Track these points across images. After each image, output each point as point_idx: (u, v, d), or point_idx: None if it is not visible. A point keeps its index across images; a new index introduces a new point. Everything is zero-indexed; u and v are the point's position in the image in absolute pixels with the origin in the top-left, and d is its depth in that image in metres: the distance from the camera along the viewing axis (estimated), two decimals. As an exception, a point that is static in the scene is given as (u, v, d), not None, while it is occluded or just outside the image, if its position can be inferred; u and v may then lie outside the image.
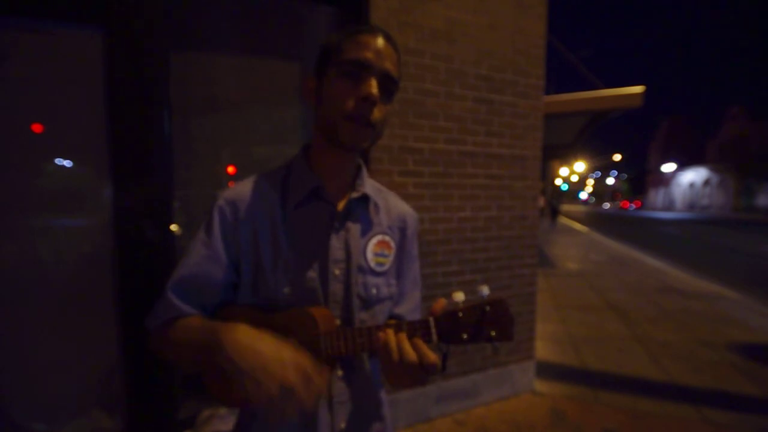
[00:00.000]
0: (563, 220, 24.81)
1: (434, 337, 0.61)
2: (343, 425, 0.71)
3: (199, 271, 0.68)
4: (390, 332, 0.61)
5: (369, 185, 0.79)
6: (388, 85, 0.68)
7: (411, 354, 0.58)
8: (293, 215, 0.70)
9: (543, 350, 3.51)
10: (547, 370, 3.10)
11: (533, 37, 2.58)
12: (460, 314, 0.61)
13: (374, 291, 0.73)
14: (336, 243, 0.71)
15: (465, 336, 0.61)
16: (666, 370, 3.20)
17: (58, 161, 1.88)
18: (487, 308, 0.61)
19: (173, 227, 1.83)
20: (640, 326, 4.29)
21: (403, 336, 0.60)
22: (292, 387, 0.53)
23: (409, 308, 0.82)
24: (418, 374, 0.58)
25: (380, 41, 0.67)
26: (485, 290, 0.62)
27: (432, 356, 0.58)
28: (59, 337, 1.87)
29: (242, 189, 0.73)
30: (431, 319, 0.61)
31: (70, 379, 1.90)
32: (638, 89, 5.34)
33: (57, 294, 1.88)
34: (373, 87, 0.65)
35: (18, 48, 1.74)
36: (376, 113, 0.67)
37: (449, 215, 2.39)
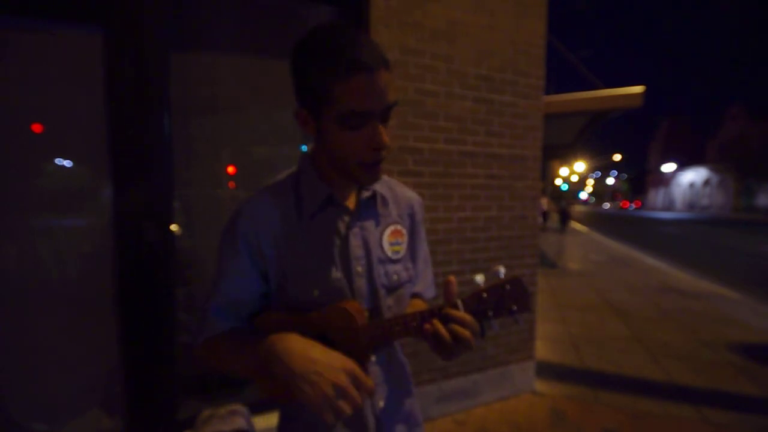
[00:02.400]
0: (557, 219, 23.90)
1: None
2: (381, 404, 0.77)
3: (234, 293, 0.73)
4: (436, 322, 0.66)
5: None
6: (389, 112, 0.66)
7: (464, 332, 0.64)
8: (310, 223, 0.73)
9: (543, 350, 3.51)
10: (547, 370, 3.10)
11: (533, 37, 2.58)
12: (484, 294, 0.68)
13: (395, 277, 0.78)
14: (354, 242, 0.74)
15: (490, 313, 0.68)
16: (666, 370, 3.20)
17: (58, 161, 1.88)
18: (507, 286, 0.68)
19: (173, 227, 1.83)
20: (640, 326, 4.29)
21: (454, 325, 0.65)
22: (343, 387, 0.58)
23: (425, 286, 0.91)
24: (469, 343, 0.64)
25: (376, 80, 0.60)
26: (502, 270, 0.69)
27: (475, 324, 0.65)
28: (59, 337, 1.87)
29: (257, 203, 0.74)
30: (459, 302, 0.68)
31: (70, 379, 1.90)
32: (638, 89, 5.34)
33: (57, 294, 1.88)
34: (383, 136, 0.64)
35: (18, 48, 1.74)
36: (386, 152, 0.67)
37: (449, 215, 2.39)
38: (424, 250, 0.90)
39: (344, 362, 0.60)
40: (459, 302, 0.68)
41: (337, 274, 0.72)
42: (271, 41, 2.40)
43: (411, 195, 0.88)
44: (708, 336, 3.99)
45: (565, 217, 16.46)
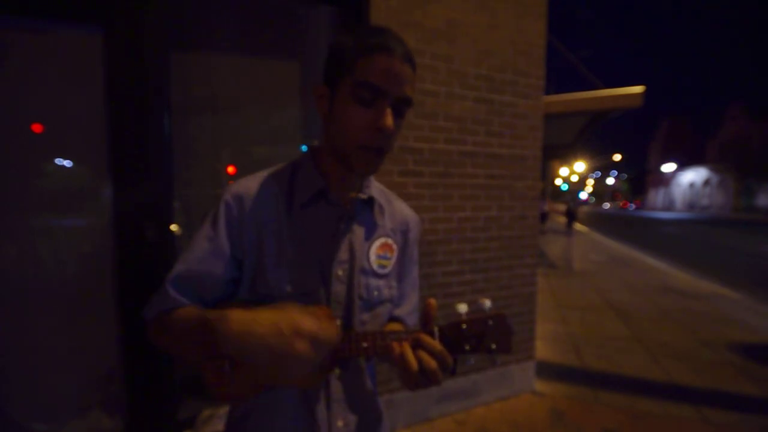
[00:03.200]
0: (557, 219, 23.61)
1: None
2: (340, 423, 0.71)
3: (201, 267, 0.67)
4: (406, 345, 0.62)
5: (375, 187, 0.79)
6: (404, 106, 0.66)
7: (431, 363, 0.59)
8: (299, 215, 0.70)
9: (543, 350, 3.51)
10: (547, 370, 3.10)
11: (533, 37, 2.58)
12: (464, 326, 0.63)
13: (376, 293, 0.74)
14: (340, 244, 0.71)
15: (467, 347, 0.63)
16: (666, 370, 3.20)
17: (58, 161, 1.88)
18: (490, 322, 0.64)
19: (173, 227, 1.83)
20: (640, 326, 4.29)
21: (422, 353, 0.61)
22: (301, 355, 0.55)
23: (408, 310, 0.84)
24: (436, 378, 0.60)
25: (399, 65, 0.62)
26: (487, 303, 0.64)
27: (447, 357, 0.60)
28: (59, 337, 1.87)
29: (249, 185, 0.71)
30: (436, 329, 0.63)
31: (70, 379, 1.90)
32: (638, 89, 5.33)
33: (57, 294, 1.88)
34: (389, 119, 0.63)
35: (18, 48, 1.74)
36: (390, 140, 0.66)
37: (449, 215, 2.39)
38: (413, 272, 0.85)
39: (293, 324, 0.56)
40: (435, 329, 0.63)
41: (315, 273, 0.69)
42: (271, 41, 2.40)
43: (408, 212, 0.85)
44: (708, 336, 3.99)
45: (572, 218, 14.56)
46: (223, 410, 1.74)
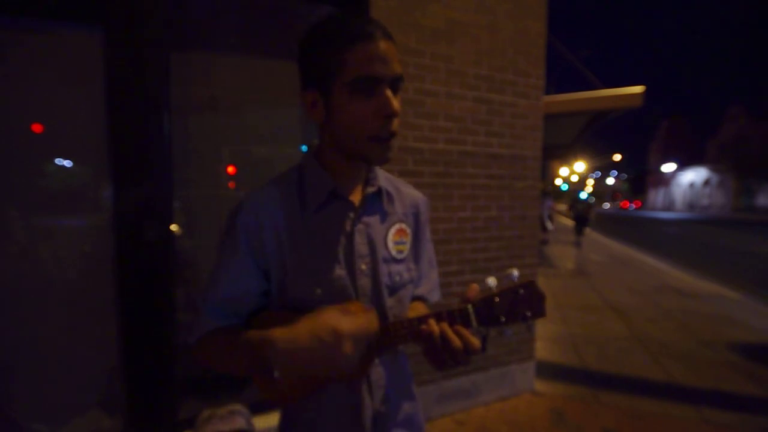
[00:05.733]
0: (561, 220, 23.42)
1: (474, 323, 0.65)
2: (381, 407, 0.75)
3: (233, 288, 0.70)
4: (432, 323, 0.64)
5: (381, 177, 0.80)
6: (399, 84, 0.67)
7: (456, 341, 0.62)
8: (313, 217, 0.71)
9: (543, 350, 3.51)
10: (547, 370, 3.10)
11: (533, 37, 2.58)
12: (496, 299, 0.65)
13: (398, 278, 0.77)
14: (359, 239, 0.73)
15: (503, 318, 0.65)
16: (666, 370, 3.20)
17: (58, 161, 1.89)
18: (521, 291, 0.66)
19: (173, 227, 1.83)
20: (640, 326, 4.29)
21: (445, 325, 0.64)
22: (347, 355, 0.58)
23: (429, 288, 0.89)
24: (461, 358, 0.63)
25: (383, 45, 0.63)
26: (515, 273, 0.67)
27: (475, 341, 0.63)
28: (59, 336, 1.87)
29: (260, 197, 0.72)
30: (469, 306, 0.65)
31: (70, 379, 1.90)
32: (638, 89, 5.33)
33: (57, 294, 1.88)
34: (394, 102, 0.64)
35: (18, 48, 1.74)
36: (397, 121, 0.66)
37: (449, 215, 2.39)
38: (429, 251, 0.89)
39: (331, 329, 0.59)
40: (469, 306, 0.65)
41: (340, 272, 0.70)
42: (271, 41, 2.40)
43: (416, 194, 0.87)
44: (708, 336, 3.99)
45: (581, 223, 11.94)
46: (224, 410, 1.74)
